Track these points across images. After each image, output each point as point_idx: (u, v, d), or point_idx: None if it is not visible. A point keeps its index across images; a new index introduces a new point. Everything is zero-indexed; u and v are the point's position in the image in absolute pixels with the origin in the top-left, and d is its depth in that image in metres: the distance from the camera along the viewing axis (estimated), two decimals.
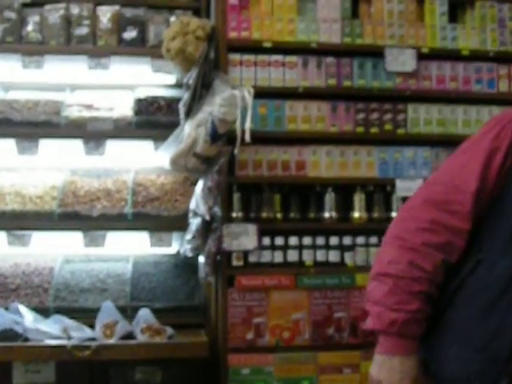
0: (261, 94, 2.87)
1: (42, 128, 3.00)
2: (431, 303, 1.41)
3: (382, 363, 1.41)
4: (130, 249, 3.14)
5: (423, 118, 3.11)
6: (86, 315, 2.80)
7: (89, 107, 3.07)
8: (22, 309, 2.74)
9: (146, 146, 3.06)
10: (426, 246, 1.38)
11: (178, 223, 2.96)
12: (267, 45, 2.97)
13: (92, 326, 2.71)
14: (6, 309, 2.74)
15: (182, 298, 2.94)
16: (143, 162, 3.19)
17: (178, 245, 3.10)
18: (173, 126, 2.94)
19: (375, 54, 3.06)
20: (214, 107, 2.74)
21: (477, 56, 3.17)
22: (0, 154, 3.13)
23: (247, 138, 2.67)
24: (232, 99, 2.72)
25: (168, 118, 3.04)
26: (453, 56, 3.16)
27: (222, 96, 2.74)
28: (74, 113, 3.05)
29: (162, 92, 3.20)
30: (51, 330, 2.68)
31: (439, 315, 1.42)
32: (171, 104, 3.08)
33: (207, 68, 2.84)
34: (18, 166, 3.15)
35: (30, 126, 2.99)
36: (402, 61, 3.07)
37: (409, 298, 1.38)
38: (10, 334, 2.62)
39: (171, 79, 3.21)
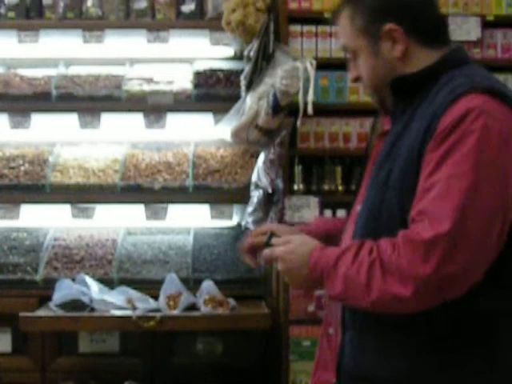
0: (322, 65, 2.83)
1: (104, 102, 3.03)
2: None
3: None
4: (190, 221, 3.16)
5: None
6: (149, 286, 2.84)
7: (149, 81, 3.09)
8: (89, 280, 2.79)
9: (206, 118, 3.07)
10: None
11: (239, 196, 2.97)
12: (328, 15, 2.92)
13: (154, 297, 2.75)
14: (73, 280, 2.79)
15: (243, 270, 2.95)
16: (202, 134, 3.20)
17: (238, 217, 3.11)
18: (232, 98, 2.94)
19: None
20: (276, 79, 2.71)
21: None
22: (63, 128, 3.16)
23: (310, 110, 2.65)
24: (294, 71, 2.69)
25: (227, 91, 3.04)
26: None
27: (283, 68, 2.72)
28: (134, 87, 3.06)
29: (220, 65, 3.18)
30: (116, 301, 2.72)
31: None
32: (230, 76, 3.08)
33: (268, 40, 2.81)
34: (80, 140, 3.19)
35: (92, 101, 3.03)
36: (466, 29, 2.99)
37: None
38: (77, 305, 2.68)
39: (229, 52, 3.19)
